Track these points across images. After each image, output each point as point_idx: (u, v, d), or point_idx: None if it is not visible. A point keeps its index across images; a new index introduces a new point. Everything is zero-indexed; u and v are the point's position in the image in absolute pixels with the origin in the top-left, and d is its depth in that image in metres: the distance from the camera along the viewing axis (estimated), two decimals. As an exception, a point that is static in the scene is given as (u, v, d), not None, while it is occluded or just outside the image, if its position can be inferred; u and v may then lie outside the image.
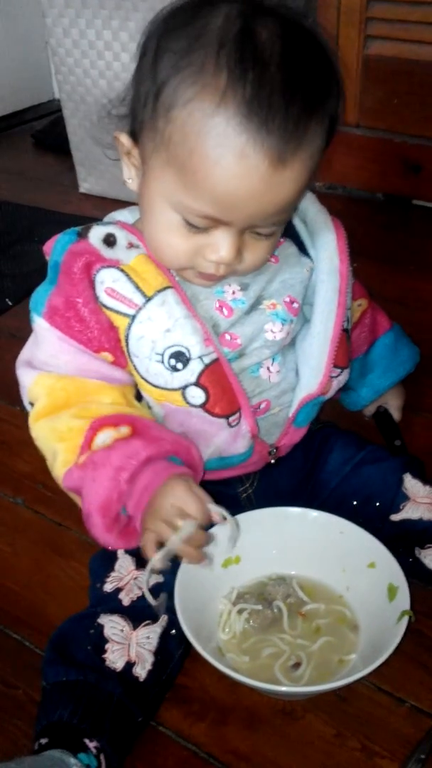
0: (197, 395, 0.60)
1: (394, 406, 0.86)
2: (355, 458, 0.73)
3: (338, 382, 0.67)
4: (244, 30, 0.49)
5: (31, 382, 0.62)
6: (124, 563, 0.65)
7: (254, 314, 0.64)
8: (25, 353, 0.64)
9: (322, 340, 0.65)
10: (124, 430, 0.59)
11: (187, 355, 0.59)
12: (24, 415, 0.97)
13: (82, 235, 0.61)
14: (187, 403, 0.61)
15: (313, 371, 0.66)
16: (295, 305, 0.65)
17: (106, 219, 0.67)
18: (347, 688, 0.61)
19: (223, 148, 0.49)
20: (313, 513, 0.69)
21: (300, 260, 0.66)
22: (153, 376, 0.60)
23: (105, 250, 0.60)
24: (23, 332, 1.23)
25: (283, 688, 0.60)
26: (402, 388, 0.87)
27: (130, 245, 0.60)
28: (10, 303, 1.23)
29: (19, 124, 2.00)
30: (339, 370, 0.67)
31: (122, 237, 0.61)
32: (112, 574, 0.65)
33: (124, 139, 0.58)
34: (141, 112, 0.54)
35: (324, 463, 0.74)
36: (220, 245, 0.55)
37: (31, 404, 0.63)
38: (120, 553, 0.66)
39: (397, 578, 0.63)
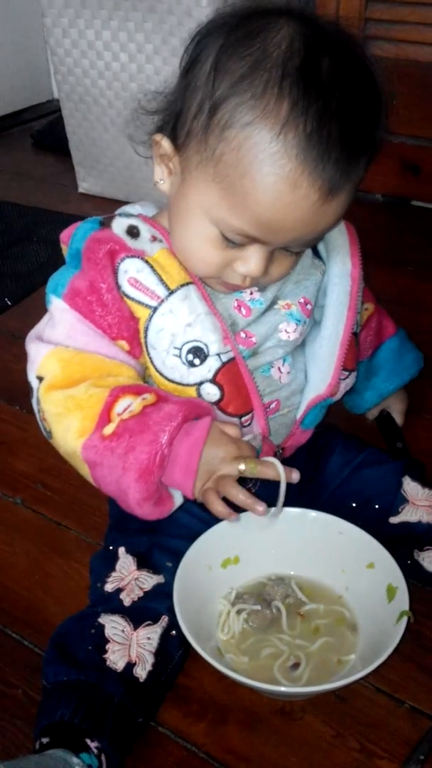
0: (212, 392, 0.60)
1: (397, 410, 0.87)
2: (355, 461, 0.73)
3: (346, 385, 0.68)
4: (307, 60, 0.49)
5: (45, 354, 0.61)
6: (126, 563, 0.65)
7: (269, 314, 0.64)
8: (38, 330, 0.63)
9: (332, 342, 0.66)
10: (149, 397, 0.58)
11: (206, 351, 0.59)
12: (23, 414, 0.98)
13: (105, 224, 0.60)
14: (202, 399, 0.61)
15: (322, 373, 0.66)
16: (309, 306, 0.66)
17: (118, 211, 0.66)
18: (346, 688, 0.61)
19: (277, 177, 0.50)
20: (312, 513, 0.69)
21: (313, 262, 0.67)
22: (169, 369, 0.60)
23: (129, 240, 0.60)
24: (23, 332, 1.23)
25: (282, 689, 0.60)
26: (405, 393, 0.87)
27: (153, 238, 0.61)
28: (9, 303, 1.23)
29: (18, 124, 2.00)
30: (347, 373, 0.67)
31: (145, 230, 0.61)
32: (113, 574, 0.65)
33: (166, 144, 0.57)
34: (190, 122, 0.54)
35: (324, 466, 0.74)
36: (251, 260, 0.56)
37: (39, 378, 0.61)
38: (121, 552, 0.66)
39: (396, 579, 0.63)
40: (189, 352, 0.59)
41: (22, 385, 1.05)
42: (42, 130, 1.89)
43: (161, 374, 0.61)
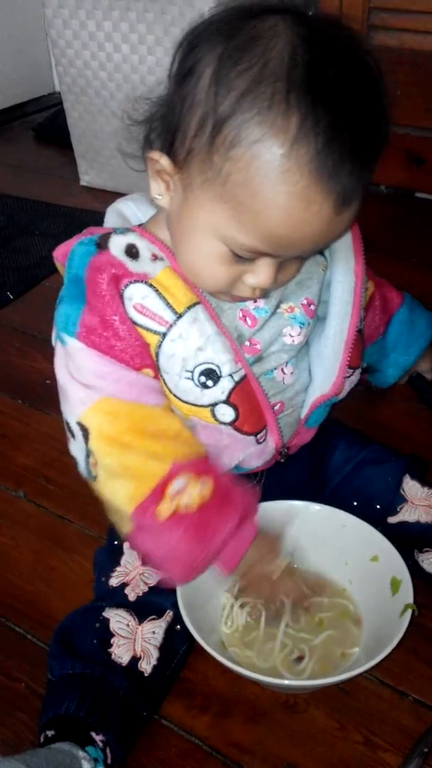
0: (227, 413, 0.59)
1: (425, 369, 0.86)
2: (357, 458, 0.73)
3: (350, 382, 0.67)
4: (312, 69, 0.47)
5: (89, 405, 0.57)
6: (131, 558, 0.65)
7: (273, 319, 0.63)
8: (67, 369, 0.59)
9: (337, 341, 0.65)
10: (206, 489, 0.57)
11: (218, 372, 0.58)
12: (26, 408, 0.98)
13: (102, 246, 0.57)
14: (216, 420, 0.60)
15: (327, 372, 0.65)
16: (312, 307, 0.65)
17: (110, 209, 0.65)
18: (350, 681, 0.61)
19: (290, 194, 0.48)
20: (316, 506, 0.68)
21: (316, 259, 0.65)
22: (182, 392, 0.59)
23: (129, 262, 0.57)
24: (25, 326, 1.22)
25: (286, 682, 0.59)
26: (429, 351, 0.85)
27: (154, 257, 0.58)
28: (11, 296, 1.23)
29: (19, 117, 1.99)
30: (351, 371, 0.66)
31: (144, 247, 0.58)
32: (118, 568, 0.65)
33: (165, 163, 0.54)
34: (190, 140, 0.51)
35: (328, 462, 0.73)
36: (261, 272, 0.55)
37: (81, 426, 0.58)
38: (126, 547, 0.66)
39: (400, 572, 0.62)
40: (201, 374, 0.58)
41: (24, 378, 1.05)
42: (43, 122, 1.88)
43: (175, 396, 0.59)
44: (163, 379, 0.59)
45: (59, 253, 0.60)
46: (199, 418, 0.60)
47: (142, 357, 0.58)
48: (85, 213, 1.47)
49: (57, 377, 0.60)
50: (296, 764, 0.58)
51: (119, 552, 0.66)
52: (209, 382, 0.58)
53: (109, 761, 0.55)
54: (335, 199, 0.49)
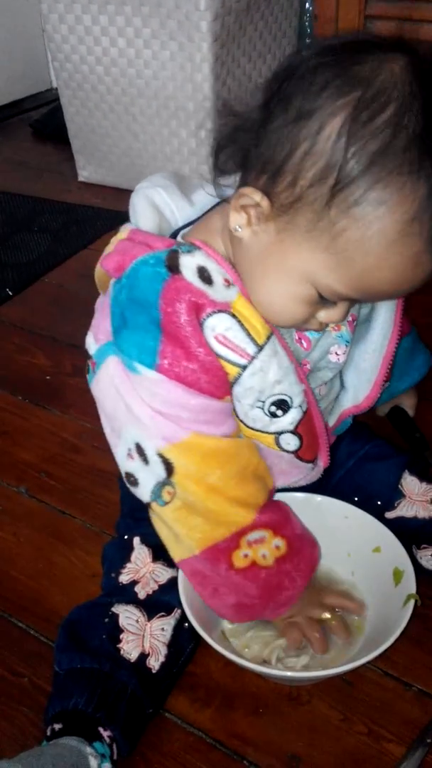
0: (292, 442, 0.60)
1: (408, 404, 0.87)
2: (360, 452, 0.73)
3: (379, 393, 0.67)
4: None
5: (176, 441, 0.56)
6: (141, 555, 0.65)
7: (322, 338, 0.63)
8: (139, 399, 0.57)
9: (377, 357, 0.65)
10: (282, 546, 0.59)
11: (290, 403, 0.58)
12: (26, 404, 0.98)
13: (174, 270, 0.54)
14: (280, 447, 0.60)
15: (363, 386, 0.66)
16: (355, 323, 0.65)
17: (138, 194, 0.62)
18: (353, 672, 0.61)
19: (403, 257, 0.48)
20: (318, 498, 0.68)
21: None
22: (251, 420, 0.59)
23: (207, 289, 0.54)
24: (24, 322, 1.22)
25: (289, 674, 0.59)
26: (415, 388, 0.87)
27: (227, 283, 0.55)
28: (10, 293, 1.23)
29: (17, 114, 1.99)
30: (383, 383, 0.67)
31: (215, 271, 0.55)
32: (128, 565, 0.64)
33: (264, 204, 0.51)
34: (304, 188, 0.49)
35: (333, 454, 0.73)
36: (337, 312, 0.55)
37: (162, 458, 0.56)
38: (136, 543, 0.66)
39: (402, 562, 0.62)
40: (273, 404, 0.58)
41: (24, 375, 1.05)
42: (41, 119, 1.88)
43: (242, 422, 0.59)
44: (234, 407, 0.59)
45: (112, 266, 0.57)
46: (260, 442, 0.60)
47: (225, 387, 0.57)
48: (84, 208, 1.47)
49: (121, 400, 0.57)
50: (300, 756, 0.58)
51: (129, 548, 0.66)
52: (279, 412, 0.58)
53: (114, 757, 0.56)
54: None
